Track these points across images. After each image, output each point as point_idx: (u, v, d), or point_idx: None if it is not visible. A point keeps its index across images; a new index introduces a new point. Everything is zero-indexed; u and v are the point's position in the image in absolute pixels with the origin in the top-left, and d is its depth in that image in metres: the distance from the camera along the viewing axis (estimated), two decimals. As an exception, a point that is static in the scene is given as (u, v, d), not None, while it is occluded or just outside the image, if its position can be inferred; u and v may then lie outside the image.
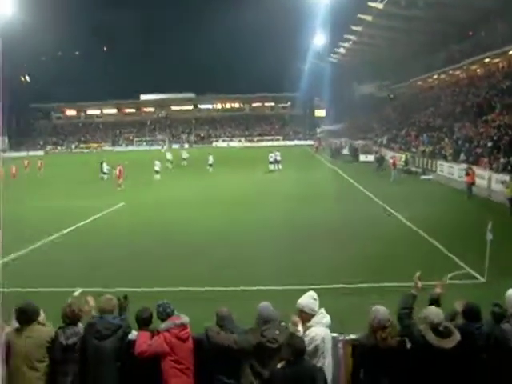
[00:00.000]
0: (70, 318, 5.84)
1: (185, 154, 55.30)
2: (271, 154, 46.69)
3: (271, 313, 5.77)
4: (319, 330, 5.62)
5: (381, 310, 5.49)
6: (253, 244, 17.76)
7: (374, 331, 5.37)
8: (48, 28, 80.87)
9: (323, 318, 5.75)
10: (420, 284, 5.93)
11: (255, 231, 20.02)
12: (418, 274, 6.01)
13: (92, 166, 51.54)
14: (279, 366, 5.19)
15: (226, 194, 31.52)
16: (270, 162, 46.10)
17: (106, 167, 42.24)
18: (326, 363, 5.61)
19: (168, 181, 40.28)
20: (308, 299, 5.77)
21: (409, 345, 5.53)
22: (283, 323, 5.84)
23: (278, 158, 46.47)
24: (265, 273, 14.07)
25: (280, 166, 46.02)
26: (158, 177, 41.52)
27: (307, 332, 5.60)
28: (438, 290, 6.05)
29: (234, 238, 18.94)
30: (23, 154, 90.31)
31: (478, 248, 13.11)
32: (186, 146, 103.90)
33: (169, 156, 53.02)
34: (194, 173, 45.88)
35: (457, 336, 5.30)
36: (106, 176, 41.97)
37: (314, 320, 5.70)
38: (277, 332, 5.63)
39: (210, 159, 47.73)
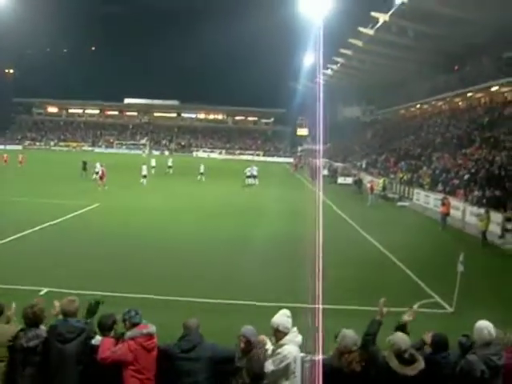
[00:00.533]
0: (32, 320, 5.68)
1: (170, 162, 54.44)
2: (248, 169, 46.94)
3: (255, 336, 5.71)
4: (292, 349, 5.57)
5: (348, 334, 5.48)
6: (222, 256, 17.69)
7: (341, 354, 5.36)
8: (38, 22, 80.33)
9: (296, 336, 5.70)
10: (385, 310, 5.93)
11: (225, 244, 19.94)
12: (382, 300, 6.01)
13: (73, 164, 51.66)
14: None
15: (202, 203, 31.49)
16: (248, 177, 46.22)
17: (98, 167, 41.73)
18: (297, 382, 5.58)
19: (150, 186, 40.24)
20: (282, 317, 5.73)
21: (373, 370, 5.51)
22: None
23: (255, 173, 46.68)
24: (237, 287, 14.02)
25: (256, 181, 46.14)
26: (144, 181, 41.52)
27: (279, 350, 5.55)
28: (406, 318, 6.05)
29: (207, 250, 18.86)
30: (0, 147, 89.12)
31: (449, 278, 13.23)
32: (167, 153, 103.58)
33: (153, 162, 52.03)
34: (180, 180, 46.16)
35: (421, 364, 5.31)
36: (97, 176, 41.36)
37: (286, 338, 5.64)
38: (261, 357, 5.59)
39: (201, 168, 47.75)
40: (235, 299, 12.84)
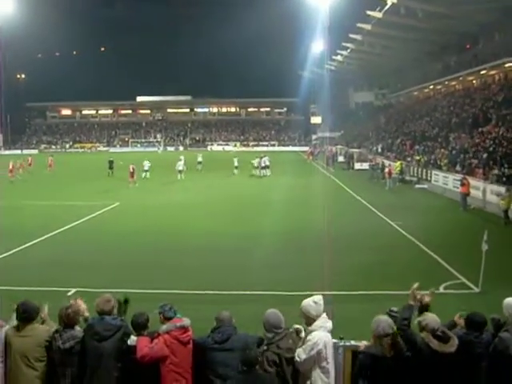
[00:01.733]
0: (68, 321, 5.77)
1: (199, 158, 52.95)
2: (257, 160, 47.19)
3: (279, 320, 5.71)
4: (321, 335, 5.58)
5: (382, 318, 5.49)
6: (248, 249, 17.73)
7: (379, 339, 5.34)
8: (46, 27, 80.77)
9: (325, 322, 5.70)
10: (418, 295, 5.93)
11: (252, 237, 19.98)
12: (416, 285, 6.00)
13: (98, 164, 53.02)
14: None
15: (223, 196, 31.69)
16: (262, 167, 46.24)
17: (147, 164, 43.46)
18: (330, 368, 5.62)
19: (186, 182, 41.07)
20: (308, 302, 5.75)
21: (409, 353, 5.52)
22: (290, 329, 5.80)
23: (267, 163, 46.70)
24: (264, 278, 14.08)
25: (268, 172, 46.24)
26: (182, 176, 42.68)
27: (309, 337, 5.57)
28: (426, 299, 6.03)
29: (229, 242, 18.95)
30: (17, 152, 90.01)
31: (473, 258, 13.19)
32: (181, 148, 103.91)
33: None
34: (214, 175, 46.10)
35: (455, 340, 5.33)
36: (147, 174, 43.28)
37: (315, 324, 5.65)
38: (290, 341, 5.62)
39: (235, 162, 47.41)
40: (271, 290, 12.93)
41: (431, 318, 5.46)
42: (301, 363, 5.55)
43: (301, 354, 5.53)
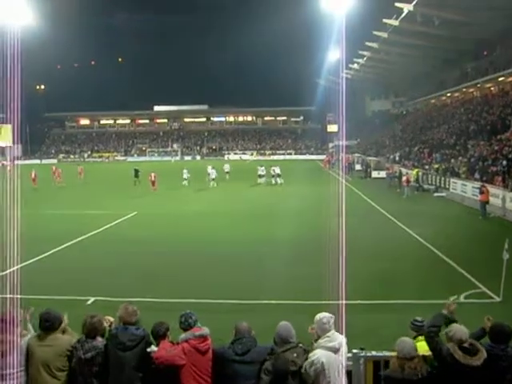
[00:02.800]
0: (91, 331, 5.76)
1: (227, 167, 52.43)
2: (261, 168, 47.54)
3: (289, 333, 5.67)
4: (320, 354, 5.45)
5: (408, 341, 5.41)
6: (266, 257, 17.66)
7: (404, 362, 5.26)
8: (65, 38, 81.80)
9: (329, 341, 5.54)
10: (453, 306, 5.84)
11: (269, 245, 19.91)
12: (453, 298, 5.94)
13: (123, 173, 54.79)
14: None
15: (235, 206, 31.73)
16: (272, 176, 46.51)
17: (186, 172, 44.86)
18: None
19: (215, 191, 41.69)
20: (317, 317, 5.67)
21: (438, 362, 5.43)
22: (300, 344, 5.68)
23: (278, 172, 46.81)
24: (283, 287, 13.95)
25: (280, 180, 46.31)
26: (214, 184, 44.03)
27: (310, 354, 5.51)
28: (452, 308, 5.93)
29: (247, 250, 18.91)
30: (36, 161, 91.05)
31: (493, 267, 13.01)
32: (198, 157, 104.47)
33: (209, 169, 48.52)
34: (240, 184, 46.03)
35: (483, 353, 5.21)
36: (186, 182, 44.66)
37: (319, 341, 5.57)
38: (294, 354, 5.52)
39: (276, 170, 47.22)
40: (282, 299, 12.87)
41: (458, 329, 5.37)
42: (304, 377, 5.50)
43: (303, 369, 5.49)
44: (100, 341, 5.79)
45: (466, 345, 5.23)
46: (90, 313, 5.94)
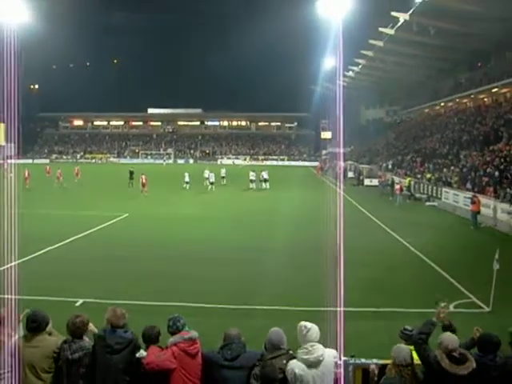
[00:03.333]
0: (76, 332, 5.73)
1: (223, 172, 52.35)
2: (252, 173, 47.71)
3: (281, 340, 5.60)
4: (294, 365, 5.32)
5: (404, 348, 5.40)
6: (257, 263, 17.63)
7: (400, 369, 5.24)
8: (60, 38, 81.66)
9: (304, 353, 5.35)
10: (443, 314, 5.82)
11: (259, 250, 19.87)
12: (443, 304, 5.91)
13: (117, 174, 55.98)
14: None
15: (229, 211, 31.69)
16: (260, 180, 46.92)
17: (187, 177, 45.67)
18: None
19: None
20: (299, 326, 5.52)
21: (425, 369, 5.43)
22: (291, 351, 5.60)
23: (266, 177, 47.26)
24: (276, 292, 13.94)
25: (267, 185, 46.78)
26: (212, 187, 44.46)
27: (288, 364, 5.38)
28: (442, 315, 5.89)
29: (238, 255, 18.88)
30: (28, 161, 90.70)
31: (484, 277, 13.06)
32: (191, 161, 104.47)
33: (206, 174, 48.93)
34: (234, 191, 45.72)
35: (472, 363, 5.20)
36: (187, 185, 45.29)
37: (297, 351, 5.44)
38: (284, 361, 5.42)
39: (265, 175, 47.73)
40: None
41: (448, 337, 5.36)
42: None
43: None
44: (87, 341, 5.76)
45: (455, 354, 5.22)
46: (75, 313, 5.90)
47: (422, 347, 5.44)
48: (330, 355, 5.47)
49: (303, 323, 5.57)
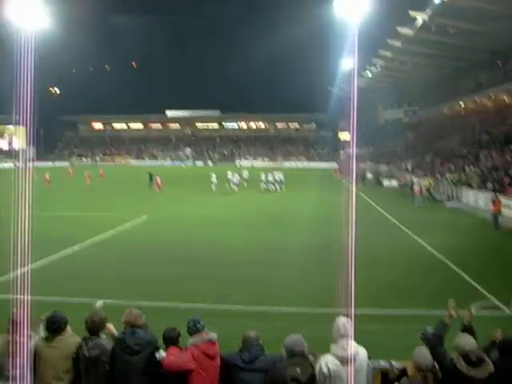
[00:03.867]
0: (93, 329, 5.81)
1: (246, 174, 52.18)
2: (263, 175, 47.54)
3: (296, 346, 5.41)
4: (329, 360, 5.29)
5: (425, 351, 5.31)
6: (275, 264, 17.62)
7: (420, 373, 5.16)
8: (80, 42, 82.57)
9: (339, 349, 5.35)
10: (454, 313, 5.76)
11: (277, 251, 19.86)
12: (451, 302, 5.85)
13: (139, 177, 56.62)
14: None
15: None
16: (272, 182, 46.78)
17: (214, 178, 45.85)
18: None
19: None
20: (335, 322, 5.56)
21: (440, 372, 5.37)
22: (311, 356, 5.51)
23: (282, 178, 47.26)
24: (289, 293, 13.95)
25: (282, 187, 46.83)
26: (235, 188, 45.41)
27: (319, 360, 5.36)
28: (452, 313, 5.82)
29: (256, 257, 18.89)
30: (49, 164, 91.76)
31: (505, 279, 12.92)
32: (210, 163, 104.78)
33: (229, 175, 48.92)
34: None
35: (490, 366, 5.12)
36: (214, 186, 45.49)
37: (331, 346, 5.43)
38: (298, 370, 5.16)
39: (280, 176, 47.72)
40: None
41: (464, 339, 5.29)
42: None
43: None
44: (104, 338, 5.83)
45: (472, 356, 5.14)
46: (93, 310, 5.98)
47: (437, 349, 5.38)
48: (363, 353, 5.51)
49: (338, 319, 5.58)
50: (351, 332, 5.46)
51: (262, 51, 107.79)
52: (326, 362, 5.27)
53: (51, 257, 18.10)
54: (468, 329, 5.79)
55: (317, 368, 5.30)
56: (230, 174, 46.66)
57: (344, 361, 5.29)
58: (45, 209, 27.97)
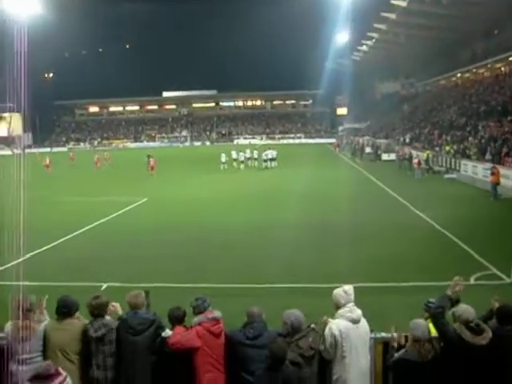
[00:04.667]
0: (97, 311, 5.94)
1: (248, 153, 51.79)
2: (265, 152, 47.79)
3: (300, 321, 5.66)
4: (340, 323, 5.55)
5: (422, 323, 5.48)
6: (274, 242, 17.72)
7: (418, 344, 5.32)
8: (73, 25, 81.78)
9: (348, 312, 5.63)
10: (458, 287, 5.86)
11: (275, 230, 19.95)
12: (457, 277, 5.95)
13: (137, 160, 57.13)
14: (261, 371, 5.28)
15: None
16: (267, 160, 47.09)
17: (223, 157, 47.02)
18: (352, 360, 5.55)
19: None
20: (338, 291, 5.73)
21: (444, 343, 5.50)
22: (312, 325, 5.77)
23: (274, 156, 47.67)
24: (290, 270, 14.08)
25: (275, 164, 47.31)
26: (242, 166, 47.37)
27: (327, 327, 5.58)
28: (456, 289, 5.93)
29: (256, 235, 19.02)
30: (46, 149, 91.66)
31: (504, 248, 13.03)
32: (208, 143, 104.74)
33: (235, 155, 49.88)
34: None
35: (489, 333, 5.30)
36: (224, 165, 46.67)
37: (338, 312, 5.67)
38: (310, 339, 5.58)
39: (269, 154, 47.90)
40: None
41: (465, 309, 5.44)
42: (323, 353, 5.63)
43: (321, 345, 5.59)
44: (109, 319, 5.96)
45: (472, 325, 5.31)
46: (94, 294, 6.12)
47: (440, 321, 5.51)
48: (364, 323, 5.78)
49: (341, 289, 5.79)
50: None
51: (257, 28, 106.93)
52: (337, 325, 5.53)
53: (55, 242, 18.23)
54: (457, 301, 5.88)
55: (326, 332, 5.54)
56: (234, 154, 48.41)
57: (354, 321, 5.61)
58: (47, 194, 28.11)
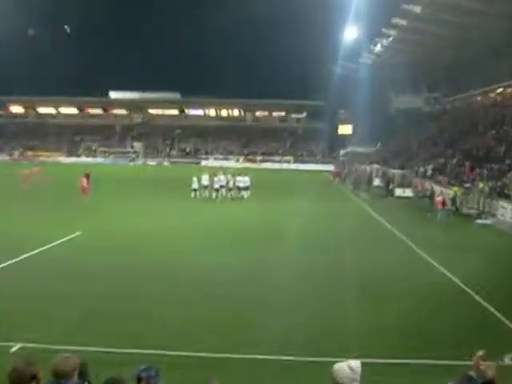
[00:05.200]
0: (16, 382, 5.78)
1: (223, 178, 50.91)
2: (237, 179, 48.24)
3: None
4: None
5: None
6: (258, 296, 17.65)
7: None
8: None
9: None
10: (482, 366, 5.84)
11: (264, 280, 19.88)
12: (480, 353, 5.93)
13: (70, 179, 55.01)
14: None
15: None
16: (241, 188, 47.51)
17: (195, 183, 46.53)
18: None
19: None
20: (342, 367, 5.62)
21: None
22: None
23: (247, 184, 47.85)
24: (271, 336, 13.97)
25: (248, 193, 47.46)
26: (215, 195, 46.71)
27: None
28: (489, 372, 5.93)
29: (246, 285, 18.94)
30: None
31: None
32: (166, 163, 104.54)
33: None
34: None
35: None
36: (194, 193, 46.46)
37: None
38: None
39: (242, 182, 48.16)
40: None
41: None
42: None
43: None
44: None
45: None
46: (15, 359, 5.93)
47: None
48: None
49: (345, 364, 5.58)
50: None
51: (237, 18, 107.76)
52: None
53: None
54: (490, 383, 5.86)
55: None
56: (205, 180, 47.55)
57: None
58: None
